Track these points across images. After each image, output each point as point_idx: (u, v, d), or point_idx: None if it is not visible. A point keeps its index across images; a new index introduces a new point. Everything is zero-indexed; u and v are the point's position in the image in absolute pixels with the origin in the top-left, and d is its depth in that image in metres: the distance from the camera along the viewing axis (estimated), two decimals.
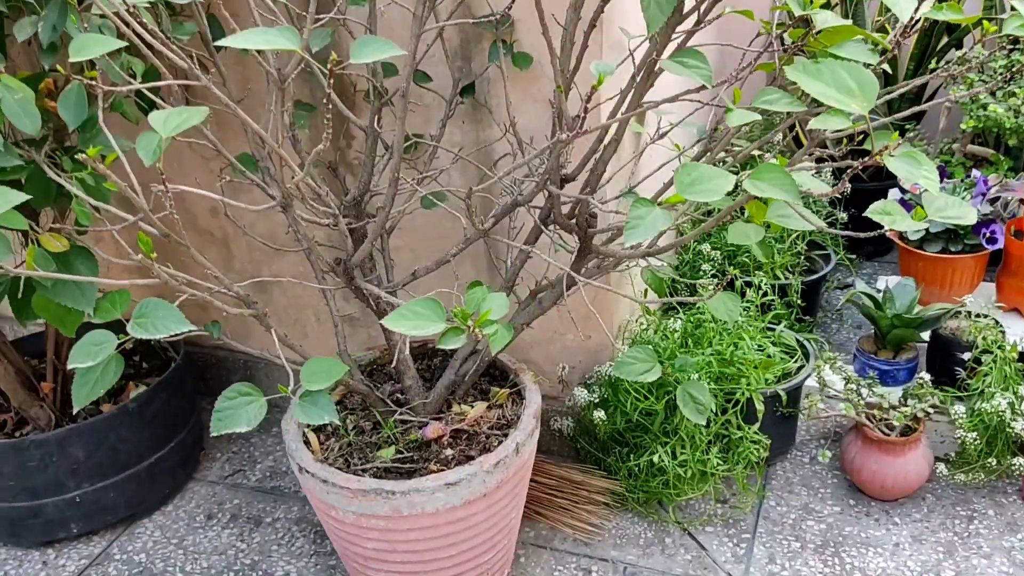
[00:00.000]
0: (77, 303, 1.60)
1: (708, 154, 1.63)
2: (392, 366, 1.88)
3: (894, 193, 2.67)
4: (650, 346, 2.03)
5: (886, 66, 1.19)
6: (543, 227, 1.59)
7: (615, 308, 2.16)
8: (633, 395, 2.02)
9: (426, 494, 1.60)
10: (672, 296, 2.51)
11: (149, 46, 1.21)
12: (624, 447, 2.14)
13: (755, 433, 2.06)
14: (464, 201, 1.32)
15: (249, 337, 2.64)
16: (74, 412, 1.74)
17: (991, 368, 2.05)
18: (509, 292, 1.74)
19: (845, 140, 1.34)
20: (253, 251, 2.46)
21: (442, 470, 1.66)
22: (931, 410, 2.07)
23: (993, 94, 2.65)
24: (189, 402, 2.40)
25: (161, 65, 1.28)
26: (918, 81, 1.25)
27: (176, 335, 1.29)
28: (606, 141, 1.45)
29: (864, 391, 2.13)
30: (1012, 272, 2.42)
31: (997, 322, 2.19)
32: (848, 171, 1.06)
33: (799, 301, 2.50)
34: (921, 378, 2.11)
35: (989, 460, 2.03)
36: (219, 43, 0.92)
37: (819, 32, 1.25)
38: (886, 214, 1.15)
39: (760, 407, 2.05)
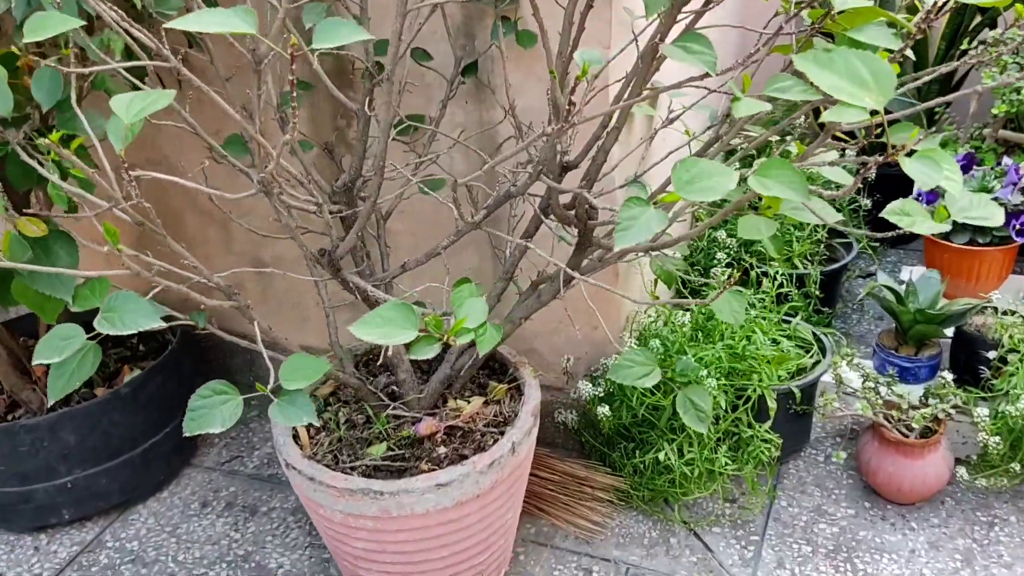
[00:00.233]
0: (55, 291, 1.54)
1: (720, 142, 1.53)
2: (387, 357, 1.81)
3: None
4: (658, 339, 1.95)
5: (909, 52, 1.09)
6: (543, 217, 1.51)
7: (622, 299, 2.07)
8: (639, 390, 1.94)
9: (416, 495, 1.53)
10: (684, 287, 2.42)
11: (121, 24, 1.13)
12: (630, 442, 2.06)
13: (766, 432, 1.97)
14: (452, 192, 1.23)
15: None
16: (49, 405, 1.68)
17: (1017, 368, 1.94)
18: (508, 283, 1.66)
19: (863, 132, 1.24)
20: (253, 233, 2.39)
21: (433, 469, 1.59)
22: (953, 411, 1.97)
23: None
24: (186, 386, 2.34)
25: (134, 44, 1.21)
26: (944, 69, 1.15)
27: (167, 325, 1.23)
28: (609, 128, 1.36)
29: (883, 389, 2.03)
30: None
31: None
32: (861, 171, 0.96)
33: (817, 292, 2.39)
34: (943, 377, 2.01)
35: (1013, 465, 1.93)
36: (168, 25, 0.84)
37: (840, 13, 1.15)
38: (904, 215, 1.06)
39: (772, 405, 1.96)
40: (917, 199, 2.39)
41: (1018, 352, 1.96)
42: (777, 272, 2.18)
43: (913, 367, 2.15)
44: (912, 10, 2.65)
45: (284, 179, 1.27)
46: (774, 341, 2.05)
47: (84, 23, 1.04)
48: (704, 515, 2.06)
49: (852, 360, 2.08)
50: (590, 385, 2.01)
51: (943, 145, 2.54)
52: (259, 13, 0.96)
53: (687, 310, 2.05)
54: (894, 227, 1.17)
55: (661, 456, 1.93)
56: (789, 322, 2.18)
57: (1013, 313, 2.10)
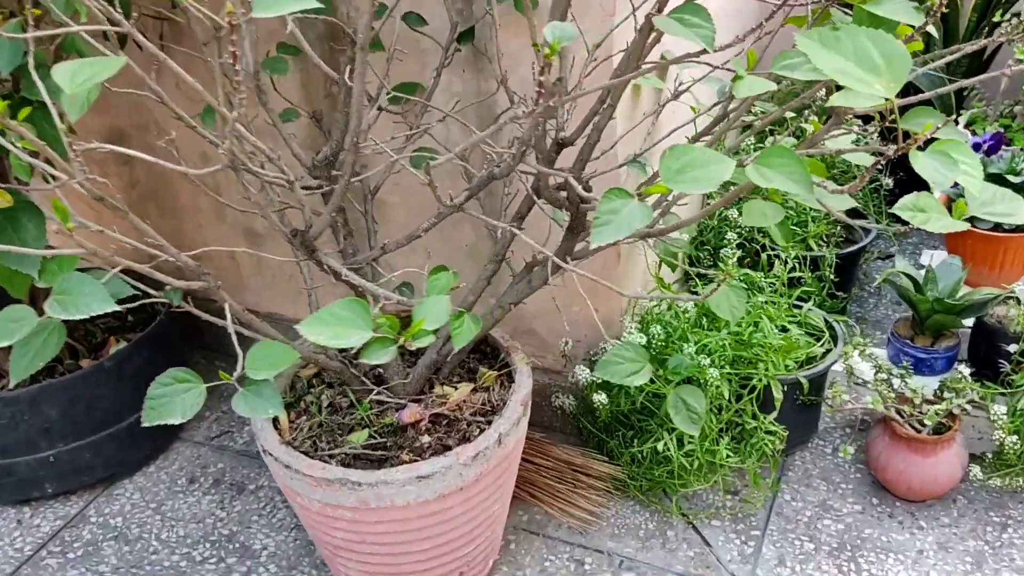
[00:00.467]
0: (22, 266, 1.47)
1: (727, 119, 1.43)
2: None
3: None
4: (659, 325, 1.86)
5: (932, 29, 0.98)
6: (535, 198, 1.41)
7: (625, 281, 1.98)
8: None
9: (395, 487, 1.46)
10: (693, 267, 2.32)
11: None
12: (628, 430, 1.98)
13: (771, 423, 1.88)
14: (427, 175, 1.14)
15: (243, 290, 2.50)
16: (11, 387, 1.62)
17: None
18: (499, 266, 1.57)
19: (878, 116, 1.14)
20: (246, 202, 2.31)
21: (415, 460, 1.51)
22: (969, 407, 1.88)
23: None
24: (175, 358, 2.28)
25: (92, 6, 1.12)
26: (968, 48, 1.04)
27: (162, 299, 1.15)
28: (604, 106, 1.26)
29: (896, 382, 1.93)
30: None
31: None
32: (870, 166, 0.86)
33: (832, 276, 2.28)
34: (960, 371, 1.91)
35: None
36: None
37: None
38: (918, 211, 0.96)
39: (778, 395, 1.87)
40: (975, 149, 2.26)
41: None
42: (788, 255, 2.07)
43: (929, 358, 2.05)
44: None
45: (251, 154, 1.18)
46: (783, 328, 1.96)
47: None
48: (704, 507, 1.98)
49: (864, 351, 1.98)
50: (587, 371, 1.93)
51: (971, 123, 2.41)
52: None
53: (694, 287, 1.96)
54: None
55: (660, 446, 1.84)
56: (800, 307, 2.08)
57: None
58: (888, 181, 2.59)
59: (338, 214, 1.48)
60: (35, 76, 1.23)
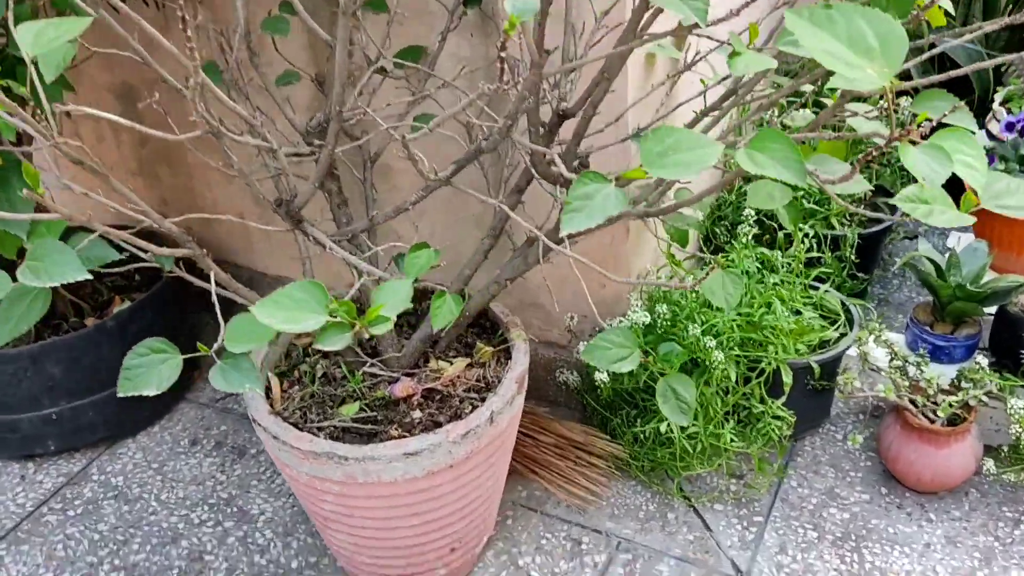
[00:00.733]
0: (10, 226, 1.45)
1: (736, 95, 1.37)
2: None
3: (980, 137, 2.32)
4: (666, 304, 1.81)
5: (947, 4, 0.91)
6: (533, 172, 1.36)
7: (633, 258, 1.93)
8: None
9: (382, 462, 1.43)
10: (709, 243, 2.25)
11: None
12: (632, 408, 1.94)
13: (780, 408, 1.83)
14: (405, 150, 1.09)
15: (251, 253, 2.48)
16: None
17: None
18: (495, 241, 1.52)
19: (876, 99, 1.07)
20: (252, 164, 2.28)
21: (404, 436, 1.48)
22: (986, 398, 1.81)
23: None
24: (180, 319, 2.27)
25: None
26: (1007, 21, 0.97)
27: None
28: (600, 81, 1.20)
29: (911, 370, 1.86)
30: None
31: None
32: (860, 158, 0.80)
33: (853, 256, 2.20)
34: (978, 361, 1.83)
35: None
36: None
37: None
38: (921, 203, 0.90)
39: (788, 380, 1.81)
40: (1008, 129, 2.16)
41: None
42: (805, 235, 1.99)
43: (948, 346, 1.98)
44: None
45: (216, 122, 1.14)
46: (796, 311, 1.89)
47: None
48: (707, 490, 1.94)
49: (880, 336, 1.91)
50: None
51: (1007, 100, 2.30)
52: None
53: (705, 265, 1.89)
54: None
55: (662, 427, 1.80)
56: (817, 288, 2.02)
57: None
58: None
59: (330, 181, 1.44)
60: (13, 30, 1.19)
